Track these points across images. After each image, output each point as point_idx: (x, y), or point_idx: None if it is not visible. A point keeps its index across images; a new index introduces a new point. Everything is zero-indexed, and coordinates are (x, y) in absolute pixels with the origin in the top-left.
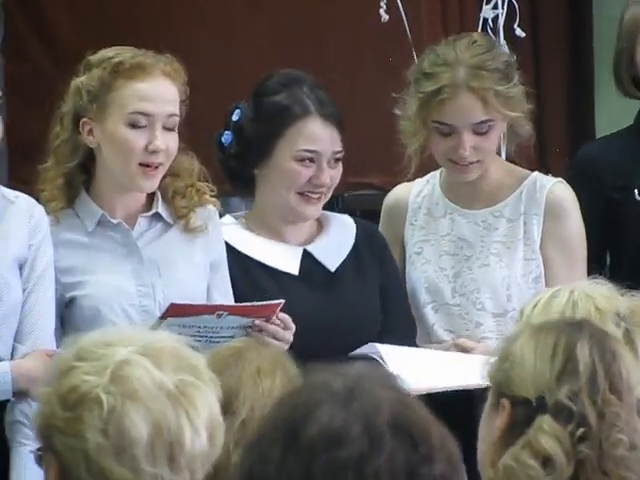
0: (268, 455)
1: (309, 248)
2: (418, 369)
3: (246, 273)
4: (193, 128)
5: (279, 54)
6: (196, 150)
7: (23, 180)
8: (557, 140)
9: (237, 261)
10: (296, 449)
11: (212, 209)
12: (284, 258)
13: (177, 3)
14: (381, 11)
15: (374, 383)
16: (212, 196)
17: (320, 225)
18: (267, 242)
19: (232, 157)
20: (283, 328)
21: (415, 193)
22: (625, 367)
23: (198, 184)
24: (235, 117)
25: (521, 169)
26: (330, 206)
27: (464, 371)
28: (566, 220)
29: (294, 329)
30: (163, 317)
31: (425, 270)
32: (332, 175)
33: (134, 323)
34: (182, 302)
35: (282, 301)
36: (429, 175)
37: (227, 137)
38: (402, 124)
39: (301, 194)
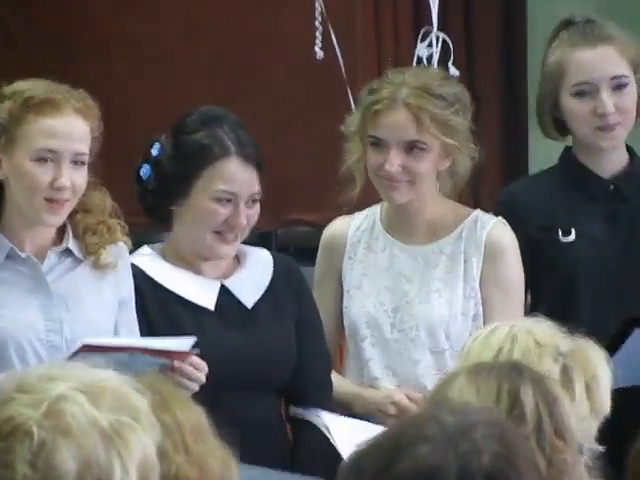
0: (361, 476)
1: (226, 283)
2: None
3: (163, 305)
4: (127, 159)
5: (214, 86)
6: (127, 181)
7: None
8: (490, 180)
9: (154, 292)
10: (386, 477)
11: (123, 246)
12: (201, 292)
13: (115, 34)
14: (316, 48)
15: (487, 431)
16: (124, 233)
17: (237, 259)
18: (184, 274)
19: (149, 192)
20: (195, 369)
21: (354, 227)
22: (566, 412)
23: (109, 221)
24: (154, 151)
25: (463, 206)
26: (264, 242)
27: None
28: (505, 261)
29: (206, 370)
30: (73, 356)
31: (364, 305)
32: (249, 215)
33: (41, 358)
34: (95, 342)
35: (195, 351)
36: (368, 209)
37: (145, 171)
38: (346, 144)
39: (217, 233)
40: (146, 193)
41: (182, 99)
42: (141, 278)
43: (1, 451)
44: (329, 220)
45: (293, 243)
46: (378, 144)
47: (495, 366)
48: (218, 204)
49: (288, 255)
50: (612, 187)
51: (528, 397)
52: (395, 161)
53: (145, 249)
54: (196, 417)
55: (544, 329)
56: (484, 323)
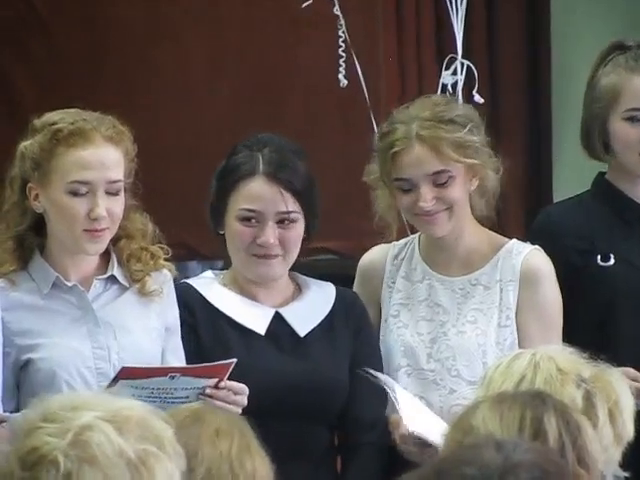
0: None
1: (281, 310)
2: (420, 417)
3: (214, 325)
4: (151, 189)
5: (239, 117)
6: (151, 212)
7: None
8: (514, 207)
9: (207, 313)
10: None
11: (167, 273)
12: (254, 317)
13: (138, 65)
14: (340, 76)
15: (527, 476)
16: (167, 259)
17: (299, 289)
18: (239, 299)
19: (209, 214)
20: (234, 394)
21: (392, 255)
22: (589, 439)
23: (152, 248)
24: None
25: (498, 235)
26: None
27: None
28: (542, 288)
29: (247, 393)
30: (115, 380)
31: (402, 334)
32: (285, 236)
33: (90, 385)
34: (134, 365)
35: (234, 361)
36: (407, 238)
37: (212, 195)
38: (373, 193)
39: (255, 255)
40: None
41: (205, 128)
42: (195, 298)
43: None
44: (353, 248)
45: (316, 271)
46: (406, 186)
47: (518, 394)
48: (242, 224)
49: None
50: None
51: (552, 426)
52: (428, 197)
53: (207, 273)
54: (267, 469)
55: (566, 356)
56: None
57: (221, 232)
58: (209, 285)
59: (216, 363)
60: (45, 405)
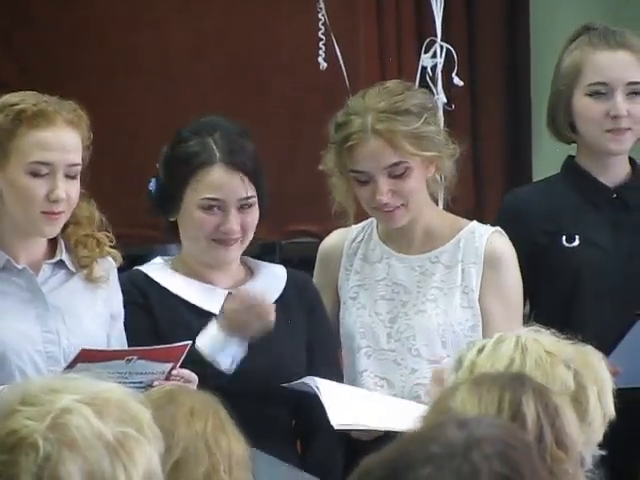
0: None
1: (234, 291)
2: (349, 406)
3: (169, 308)
4: (133, 173)
5: (218, 99)
6: (134, 200)
7: None
8: (494, 187)
9: (161, 297)
10: None
11: (111, 261)
12: (207, 297)
13: (119, 49)
14: (319, 59)
15: (490, 450)
16: (112, 247)
17: (250, 272)
18: (191, 282)
19: (153, 204)
20: (185, 382)
21: (351, 239)
22: (567, 421)
23: (98, 235)
24: (158, 165)
25: (459, 218)
26: (268, 253)
27: (394, 415)
28: (505, 271)
29: (197, 381)
30: (74, 362)
31: (360, 315)
32: (245, 221)
33: (39, 369)
34: (93, 347)
35: (188, 343)
36: (365, 221)
37: (151, 184)
38: (330, 180)
39: (214, 240)
40: (152, 205)
41: (187, 112)
42: (147, 283)
43: (6, 464)
44: (333, 231)
45: (297, 254)
46: (363, 177)
47: (497, 376)
48: (205, 212)
49: (292, 266)
50: (615, 195)
51: (530, 407)
52: (384, 189)
53: (157, 259)
54: (243, 448)
55: (548, 337)
56: (484, 333)
57: (172, 219)
58: (160, 270)
59: (172, 345)
60: (24, 388)
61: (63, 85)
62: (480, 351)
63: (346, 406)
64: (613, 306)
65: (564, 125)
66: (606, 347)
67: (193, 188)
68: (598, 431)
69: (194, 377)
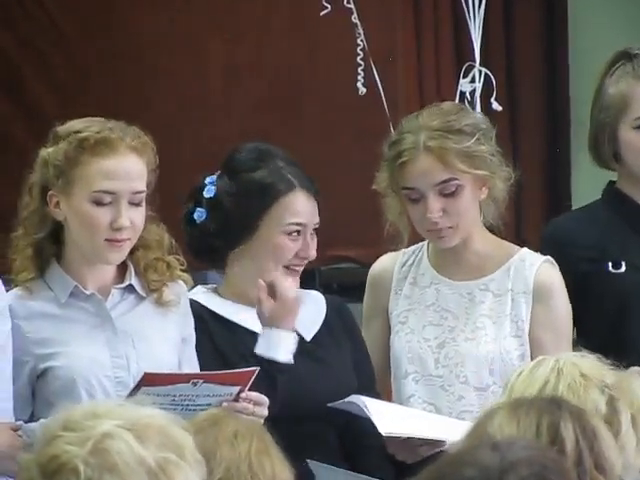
0: None
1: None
2: (397, 417)
3: (230, 334)
4: (169, 199)
5: (256, 126)
6: (168, 222)
7: None
8: (534, 214)
9: (220, 323)
10: None
11: (183, 284)
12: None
13: (155, 74)
14: (358, 84)
15: (526, 472)
16: (183, 270)
17: None
18: (243, 308)
19: (210, 234)
20: (255, 405)
21: (400, 263)
22: (606, 444)
23: (168, 258)
24: (209, 193)
25: (508, 243)
26: (308, 279)
27: (439, 428)
28: (555, 302)
29: (267, 403)
30: (137, 387)
31: (409, 340)
32: (313, 246)
33: (108, 394)
34: (156, 371)
35: (256, 369)
36: (416, 245)
37: (200, 214)
38: (383, 200)
39: (286, 267)
40: (205, 235)
41: (222, 137)
42: (202, 311)
43: None
44: (373, 256)
45: (337, 280)
46: (414, 195)
47: (535, 400)
48: (289, 238)
49: (332, 292)
50: None
51: (569, 432)
52: (434, 207)
53: (200, 288)
54: (287, 473)
55: (589, 362)
56: None
57: (240, 246)
58: (211, 298)
59: (238, 370)
60: (66, 414)
61: (100, 108)
62: (519, 374)
63: (393, 417)
64: None
65: (609, 156)
66: None
67: (275, 215)
68: (633, 457)
69: (264, 399)
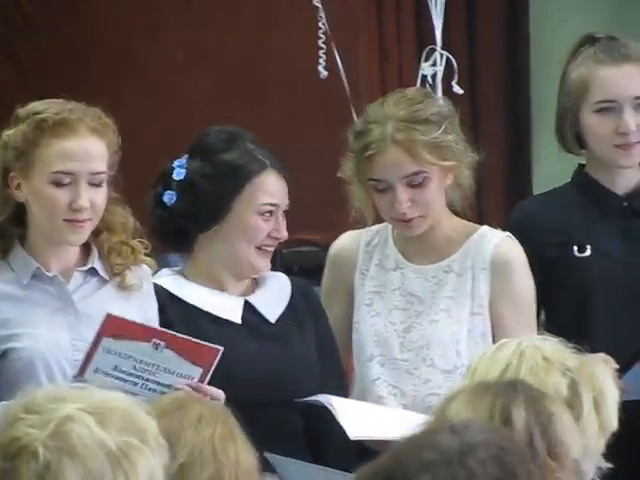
0: None
1: (250, 299)
2: (364, 418)
3: (190, 321)
4: (133, 182)
5: (220, 110)
6: (133, 206)
7: None
8: (494, 197)
9: (179, 309)
10: None
11: (147, 268)
12: (226, 307)
13: (120, 60)
14: (320, 67)
15: (485, 454)
16: (147, 254)
17: (255, 279)
18: (208, 291)
19: (180, 216)
20: (211, 398)
21: (365, 241)
22: (562, 428)
23: (132, 242)
24: (179, 176)
25: (469, 222)
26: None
27: (408, 425)
28: (514, 276)
29: (223, 399)
30: (99, 336)
31: (375, 323)
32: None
33: (68, 377)
34: (119, 315)
35: (220, 348)
36: (379, 225)
37: (170, 196)
38: (348, 188)
39: (258, 248)
40: (174, 218)
41: (185, 120)
42: (165, 296)
43: (7, 472)
44: (334, 240)
45: (298, 263)
46: (381, 186)
47: (493, 384)
48: (262, 218)
49: (293, 275)
50: (626, 203)
51: (520, 415)
52: (403, 198)
53: (165, 271)
54: (252, 459)
55: (551, 345)
56: (495, 340)
57: (213, 227)
58: (175, 282)
59: (204, 343)
60: (29, 396)
61: (63, 89)
62: (482, 356)
63: (361, 418)
64: (625, 314)
65: (572, 140)
66: (619, 355)
67: (248, 195)
68: (595, 440)
69: (221, 395)
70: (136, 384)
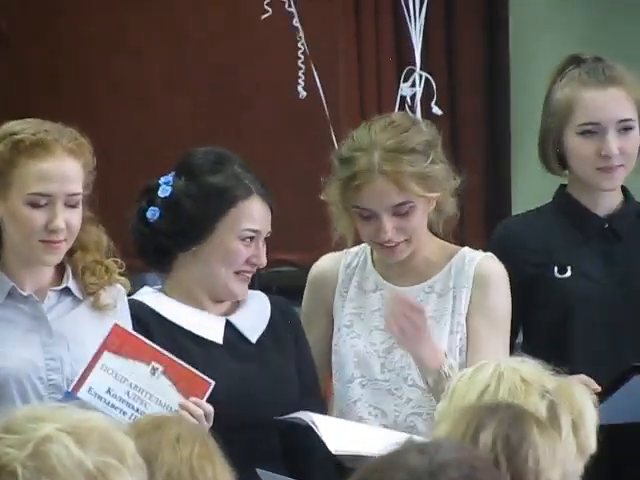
0: None
1: (231, 319)
2: (346, 434)
3: (172, 339)
4: (110, 200)
5: (198, 130)
6: (108, 225)
7: None
8: (474, 219)
9: (162, 327)
10: None
11: (121, 288)
12: (208, 327)
13: (97, 78)
14: (299, 88)
15: (455, 474)
16: (121, 274)
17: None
18: (190, 310)
19: (162, 233)
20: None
21: (345, 264)
22: (534, 453)
23: (107, 262)
24: (164, 193)
25: (450, 244)
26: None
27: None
28: (493, 291)
29: (212, 415)
30: (104, 345)
31: (355, 344)
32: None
33: (41, 397)
34: (126, 329)
35: (212, 383)
36: (358, 247)
37: (153, 212)
38: (330, 209)
39: (237, 273)
40: (157, 234)
41: (163, 138)
42: (149, 313)
43: None
44: (312, 260)
45: (276, 283)
46: (366, 213)
47: (475, 407)
48: (242, 243)
49: (271, 294)
50: (607, 225)
51: (486, 439)
52: (388, 227)
53: (146, 289)
54: (228, 478)
55: (530, 367)
56: (468, 352)
57: (193, 247)
58: (157, 299)
59: (197, 373)
60: (8, 416)
61: (42, 111)
62: (461, 377)
63: (342, 434)
64: (605, 337)
65: (554, 161)
66: (599, 378)
67: (232, 219)
68: (574, 463)
69: (211, 411)
70: (125, 413)
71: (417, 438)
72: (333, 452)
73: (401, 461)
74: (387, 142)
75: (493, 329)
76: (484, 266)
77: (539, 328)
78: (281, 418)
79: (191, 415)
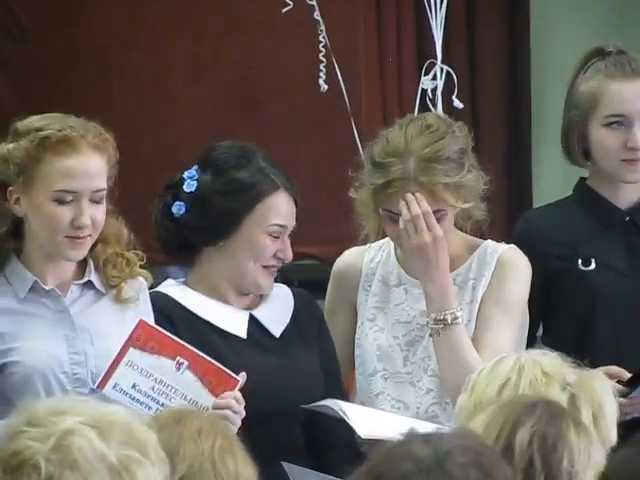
0: None
1: (254, 313)
2: (374, 421)
3: (196, 332)
4: (130, 194)
5: (219, 122)
6: (129, 219)
7: None
8: (495, 211)
9: (186, 320)
10: None
11: (142, 281)
12: (232, 321)
13: (118, 71)
14: (320, 81)
15: (462, 459)
16: (142, 266)
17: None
18: (215, 304)
19: (188, 228)
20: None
21: (369, 258)
22: (569, 454)
23: (128, 254)
24: (190, 188)
25: (473, 238)
26: None
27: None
28: (511, 279)
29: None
30: (130, 340)
31: (377, 338)
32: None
33: (66, 391)
34: (152, 324)
35: (241, 380)
36: (382, 241)
37: (179, 207)
38: (357, 207)
39: (264, 267)
40: (181, 229)
41: (184, 133)
42: (173, 306)
43: None
44: (335, 253)
45: (298, 276)
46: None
47: (514, 401)
48: (269, 238)
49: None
50: (628, 218)
51: (523, 438)
52: None
53: (170, 281)
54: (251, 473)
55: (550, 360)
56: (475, 335)
57: (219, 242)
58: (182, 291)
59: (227, 370)
60: (31, 409)
61: (60, 104)
62: (481, 371)
63: (370, 420)
64: (629, 328)
65: (578, 152)
66: (623, 369)
67: (259, 214)
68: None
69: (243, 401)
70: (150, 408)
71: (422, 426)
72: (362, 436)
73: (406, 452)
74: (423, 150)
75: (504, 317)
76: (506, 256)
77: (563, 320)
78: (308, 406)
79: (232, 411)
